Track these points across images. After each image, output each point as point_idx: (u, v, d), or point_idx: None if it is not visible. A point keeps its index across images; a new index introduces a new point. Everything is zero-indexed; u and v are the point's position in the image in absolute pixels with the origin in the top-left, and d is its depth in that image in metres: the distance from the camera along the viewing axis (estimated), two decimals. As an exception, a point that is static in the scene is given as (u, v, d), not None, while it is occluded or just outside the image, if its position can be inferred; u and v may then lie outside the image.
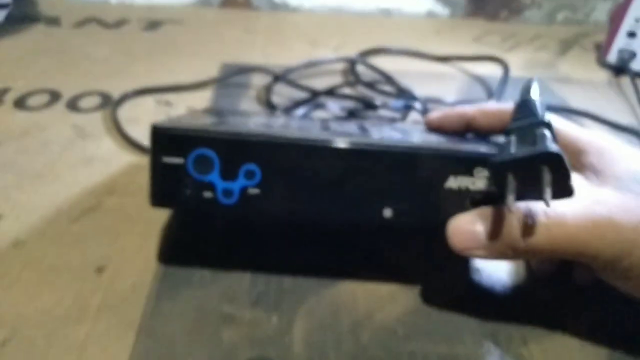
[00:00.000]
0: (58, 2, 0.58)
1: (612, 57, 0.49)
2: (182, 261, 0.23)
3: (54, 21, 0.53)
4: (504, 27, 0.60)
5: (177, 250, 0.24)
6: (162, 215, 0.26)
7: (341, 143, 0.19)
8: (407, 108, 0.37)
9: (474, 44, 0.54)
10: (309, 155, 0.19)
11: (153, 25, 0.54)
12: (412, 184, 0.20)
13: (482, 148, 0.21)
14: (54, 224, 0.25)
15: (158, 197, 0.20)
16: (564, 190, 0.17)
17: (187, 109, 0.38)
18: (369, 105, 0.37)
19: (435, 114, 0.26)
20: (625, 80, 0.47)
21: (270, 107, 0.38)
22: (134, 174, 0.30)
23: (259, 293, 0.22)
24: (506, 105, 0.23)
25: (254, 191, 0.20)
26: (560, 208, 0.18)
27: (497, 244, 0.18)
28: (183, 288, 0.22)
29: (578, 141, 0.21)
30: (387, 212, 0.20)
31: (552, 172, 0.17)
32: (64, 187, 0.28)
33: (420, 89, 0.41)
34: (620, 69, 0.49)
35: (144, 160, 0.31)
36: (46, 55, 0.45)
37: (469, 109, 0.25)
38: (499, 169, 0.18)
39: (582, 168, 0.21)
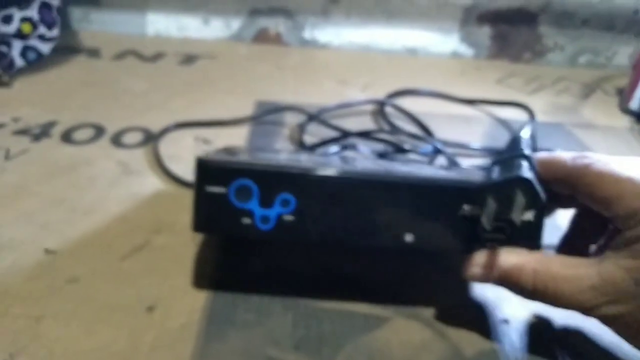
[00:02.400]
0: (98, 35, 0.61)
1: (635, 104, 0.51)
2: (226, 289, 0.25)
3: (94, 53, 0.56)
4: (527, 69, 0.61)
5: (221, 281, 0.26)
6: (208, 258, 0.27)
7: (368, 177, 0.22)
8: (436, 152, 0.39)
9: (497, 86, 0.56)
10: (339, 186, 0.22)
11: (188, 59, 0.56)
12: (430, 212, 0.22)
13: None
14: (105, 261, 0.27)
15: (201, 223, 0.22)
16: (536, 210, 0.21)
17: (224, 146, 0.39)
18: (399, 149, 0.38)
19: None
20: (648, 127, 0.48)
21: (303, 146, 0.39)
22: (178, 211, 0.31)
23: (301, 338, 0.23)
24: (567, 155, 0.23)
25: (288, 218, 0.22)
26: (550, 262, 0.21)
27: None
28: (229, 329, 0.23)
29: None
30: (409, 237, 0.22)
31: (524, 195, 0.20)
32: (113, 223, 0.30)
33: (446, 131, 0.42)
34: (642, 116, 0.50)
35: (187, 197, 0.32)
36: (89, 88, 0.47)
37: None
38: (480, 193, 0.21)
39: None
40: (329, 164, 0.24)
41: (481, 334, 0.24)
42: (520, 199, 0.20)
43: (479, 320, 0.25)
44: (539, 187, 0.20)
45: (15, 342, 0.22)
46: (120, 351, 0.22)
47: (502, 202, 0.21)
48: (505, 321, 0.25)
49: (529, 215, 0.21)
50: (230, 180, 0.21)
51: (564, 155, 0.22)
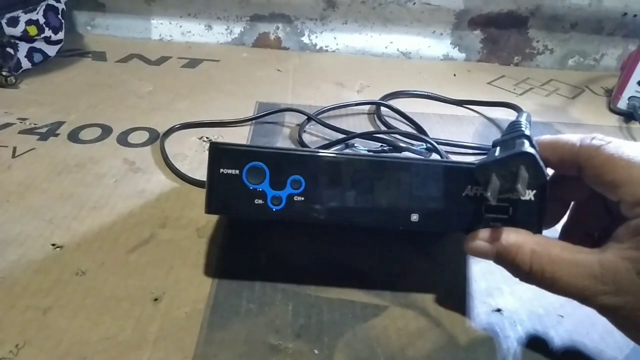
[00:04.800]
0: (103, 38, 0.62)
1: (623, 104, 0.52)
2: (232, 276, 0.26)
3: (100, 56, 0.57)
4: (517, 72, 0.63)
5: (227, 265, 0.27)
6: (211, 251, 0.28)
7: (375, 157, 0.23)
8: (429, 150, 0.40)
9: (488, 87, 0.57)
10: (347, 167, 0.23)
11: (192, 63, 0.58)
12: (435, 193, 0.23)
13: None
14: (112, 254, 0.28)
15: (214, 205, 0.23)
16: (539, 186, 0.21)
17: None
18: (395, 148, 0.40)
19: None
20: (636, 126, 0.49)
21: (302, 144, 0.41)
22: (182, 207, 0.32)
23: (301, 326, 0.24)
24: (573, 137, 0.22)
25: (299, 198, 0.23)
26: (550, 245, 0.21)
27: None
28: (232, 318, 0.24)
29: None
30: (414, 217, 0.23)
31: (527, 170, 0.20)
32: (119, 218, 0.31)
33: (440, 131, 0.43)
34: (630, 116, 0.51)
35: (192, 193, 0.34)
36: (95, 89, 0.49)
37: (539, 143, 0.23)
38: (484, 171, 0.21)
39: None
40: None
41: (475, 323, 0.25)
42: (523, 173, 0.20)
43: (474, 309, 0.26)
44: (541, 162, 0.20)
45: (23, 333, 0.23)
46: (127, 340, 0.23)
47: (505, 177, 0.21)
48: (498, 310, 0.26)
49: (530, 195, 0.22)
50: (243, 163, 0.22)
51: (572, 137, 0.22)
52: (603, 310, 0.20)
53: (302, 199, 0.23)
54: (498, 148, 0.23)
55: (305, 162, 0.23)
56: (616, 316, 0.20)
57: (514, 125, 0.24)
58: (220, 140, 0.25)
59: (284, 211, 0.23)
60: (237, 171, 0.22)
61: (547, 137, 0.23)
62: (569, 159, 0.21)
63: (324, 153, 0.23)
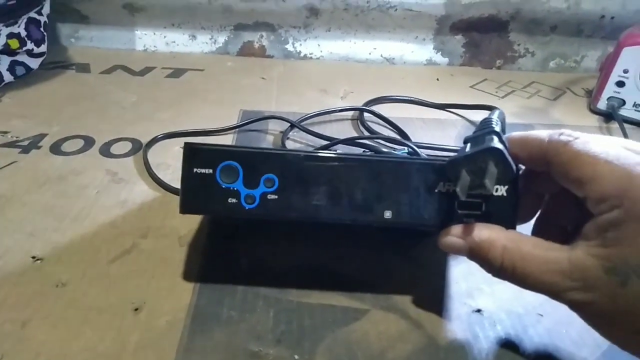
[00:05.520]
0: (87, 50, 0.62)
1: (602, 104, 0.53)
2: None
3: (84, 68, 0.57)
4: (499, 75, 0.64)
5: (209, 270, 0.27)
6: (192, 259, 0.28)
7: (348, 155, 0.23)
8: (411, 154, 0.40)
9: (470, 91, 0.58)
10: (320, 166, 0.23)
11: (176, 73, 0.58)
12: (408, 190, 0.23)
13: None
14: (92, 265, 0.28)
15: (188, 204, 0.23)
16: (510, 181, 0.22)
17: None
18: (378, 152, 0.40)
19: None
20: (615, 126, 0.50)
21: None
22: (164, 216, 0.32)
23: (282, 332, 0.24)
24: (541, 133, 0.22)
25: (272, 196, 0.23)
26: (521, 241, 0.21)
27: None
28: (213, 326, 0.24)
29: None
30: (387, 214, 0.23)
31: (496, 165, 0.20)
32: (101, 229, 0.31)
33: (423, 135, 0.44)
34: (609, 116, 0.52)
35: (174, 202, 0.34)
36: (78, 101, 0.49)
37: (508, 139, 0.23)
38: (454, 167, 0.21)
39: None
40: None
41: (455, 324, 0.25)
42: (492, 169, 0.21)
43: (454, 310, 0.26)
44: (509, 158, 0.21)
45: (1, 347, 0.22)
46: (107, 351, 0.23)
47: (475, 173, 0.21)
48: (479, 311, 0.26)
49: (502, 191, 0.22)
50: (216, 162, 0.22)
51: (541, 132, 0.22)
52: (573, 306, 0.20)
53: (276, 197, 0.23)
54: (469, 144, 0.23)
55: (278, 160, 0.23)
56: (586, 312, 0.20)
57: (485, 122, 0.25)
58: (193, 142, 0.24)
59: (257, 210, 0.23)
60: (211, 170, 0.22)
61: (516, 133, 0.23)
62: (538, 155, 0.22)
63: (296, 152, 0.23)
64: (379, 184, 0.23)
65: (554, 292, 0.20)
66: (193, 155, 0.23)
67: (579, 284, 0.19)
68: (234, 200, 0.23)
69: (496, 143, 0.21)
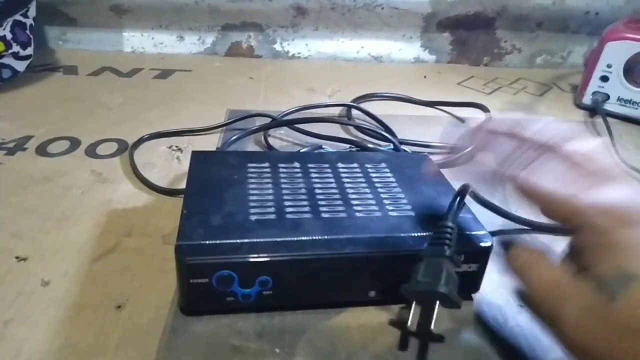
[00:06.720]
0: (75, 52, 0.62)
1: (587, 99, 0.54)
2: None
3: (71, 70, 0.57)
4: (486, 72, 0.65)
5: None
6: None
7: (336, 254, 0.24)
8: (396, 150, 0.41)
9: (458, 88, 0.59)
10: (310, 265, 0.24)
11: (164, 74, 0.58)
12: (387, 274, 0.25)
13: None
14: (76, 264, 0.28)
15: (188, 307, 0.25)
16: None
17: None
18: (363, 149, 0.40)
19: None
20: (600, 120, 0.51)
21: (270, 148, 0.41)
22: (149, 215, 0.32)
23: (264, 326, 0.25)
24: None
25: (268, 293, 0.24)
26: None
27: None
28: (195, 322, 0.25)
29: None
30: (372, 293, 0.26)
31: (442, 304, 0.22)
32: (85, 229, 0.31)
33: (409, 131, 0.44)
34: (594, 110, 0.53)
35: (159, 201, 0.34)
36: (65, 103, 0.49)
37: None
38: (406, 295, 0.23)
39: None
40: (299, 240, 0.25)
41: (437, 315, 0.26)
42: (435, 308, 0.22)
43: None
44: (455, 297, 0.21)
45: (-18, 346, 0.22)
46: (88, 348, 0.23)
47: (425, 305, 0.23)
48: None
49: (473, 267, 0.25)
50: (211, 273, 0.23)
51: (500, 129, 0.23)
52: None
53: (271, 292, 0.24)
54: (423, 265, 0.23)
55: (270, 266, 0.24)
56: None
57: (443, 233, 0.24)
58: (186, 244, 0.24)
59: (255, 304, 0.24)
60: (207, 280, 0.23)
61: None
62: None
63: (288, 256, 0.24)
64: (365, 275, 0.25)
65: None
66: (188, 270, 0.23)
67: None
68: (231, 299, 0.24)
69: (442, 287, 0.21)
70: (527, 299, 0.22)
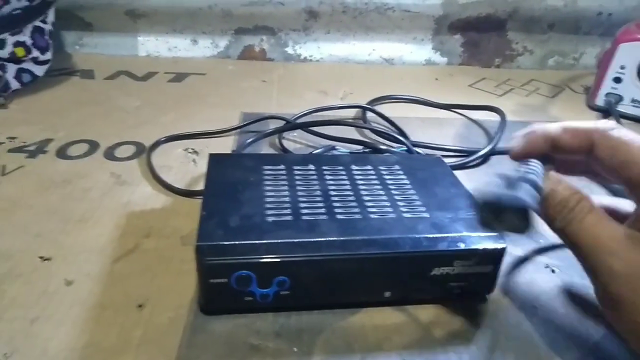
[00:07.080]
0: (92, 57, 0.64)
1: (600, 100, 0.53)
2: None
3: (88, 74, 0.58)
4: (498, 73, 0.64)
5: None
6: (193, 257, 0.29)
7: (352, 255, 0.24)
8: (409, 152, 0.41)
9: (469, 90, 0.59)
10: (327, 266, 0.25)
11: (178, 77, 0.59)
12: (406, 276, 0.26)
13: (461, 244, 0.25)
14: (98, 264, 0.29)
15: (208, 307, 0.26)
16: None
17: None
18: (376, 150, 0.41)
19: (519, 144, 0.25)
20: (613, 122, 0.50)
21: (284, 151, 0.42)
22: (167, 217, 0.33)
23: (281, 326, 0.25)
24: (587, 123, 0.24)
25: (285, 293, 0.25)
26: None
27: None
28: (214, 322, 0.25)
29: None
30: (387, 294, 0.26)
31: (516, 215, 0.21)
32: (105, 230, 0.32)
33: (422, 133, 0.45)
34: (607, 112, 0.53)
35: (176, 202, 0.35)
36: (83, 106, 0.50)
37: (552, 130, 0.24)
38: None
39: None
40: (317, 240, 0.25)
41: (451, 315, 0.26)
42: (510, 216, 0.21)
43: (450, 302, 0.27)
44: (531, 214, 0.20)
45: (10, 343, 0.23)
46: (111, 347, 0.23)
47: (493, 212, 0.21)
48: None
49: (487, 269, 0.25)
50: (230, 273, 0.24)
51: (587, 122, 0.23)
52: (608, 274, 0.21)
53: (288, 292, 0.25)
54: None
55: (288, 266, 0.24)
56: (613, 285, 0.21)
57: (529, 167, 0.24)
58: (207, 244, 0.24)
59: (273, 304, 0.25)
60: (226, 280, 0.24)
61: (566, 123, 0.24)
62: (585, 141, 0.23)
63: (305, 257, 0.24)
64: (381, 275, 0.25)
65: (601, 254, 0.21)
66: (207, 269, 0.24)
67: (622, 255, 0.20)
68: (249, 299, 0.24)
69: (524, 195, 0.20)
70: (566, 239, 0.22)
